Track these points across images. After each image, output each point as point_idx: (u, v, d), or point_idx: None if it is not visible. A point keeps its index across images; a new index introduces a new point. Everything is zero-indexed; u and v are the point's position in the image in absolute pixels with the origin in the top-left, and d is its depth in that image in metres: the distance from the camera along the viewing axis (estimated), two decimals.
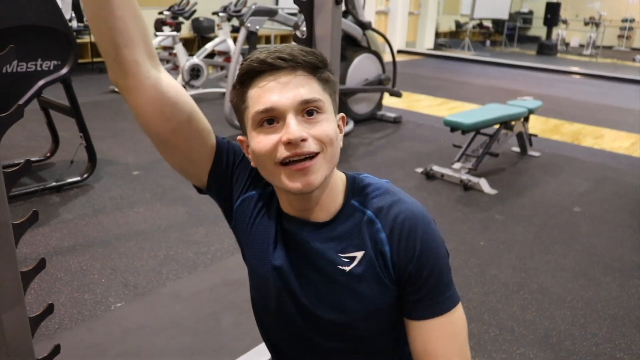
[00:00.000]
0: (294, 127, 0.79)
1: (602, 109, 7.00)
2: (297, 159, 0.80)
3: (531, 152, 4.54)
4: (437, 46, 13.54)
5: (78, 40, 7.66)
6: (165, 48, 6.50)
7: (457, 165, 3.76)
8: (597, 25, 15.08)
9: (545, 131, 5.50)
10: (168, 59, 6.53)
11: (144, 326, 2.12)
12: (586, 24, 15.61)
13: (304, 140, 0.80)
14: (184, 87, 5.87)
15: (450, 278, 0.90)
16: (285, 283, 0.93)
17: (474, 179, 3.64)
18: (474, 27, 15.69)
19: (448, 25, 16.24)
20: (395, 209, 0.89)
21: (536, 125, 5.61)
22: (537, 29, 16.77)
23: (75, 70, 3.20)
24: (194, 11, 6.96)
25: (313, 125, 0.82)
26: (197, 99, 5.94)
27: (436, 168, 3.82)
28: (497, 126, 4.00)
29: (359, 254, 0.89)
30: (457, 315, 0.90)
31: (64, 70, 3.19)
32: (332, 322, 0.93)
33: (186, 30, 9.10)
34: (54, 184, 3.41)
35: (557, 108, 6.71)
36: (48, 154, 3.96)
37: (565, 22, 15.72)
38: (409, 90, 7.13)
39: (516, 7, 16.95)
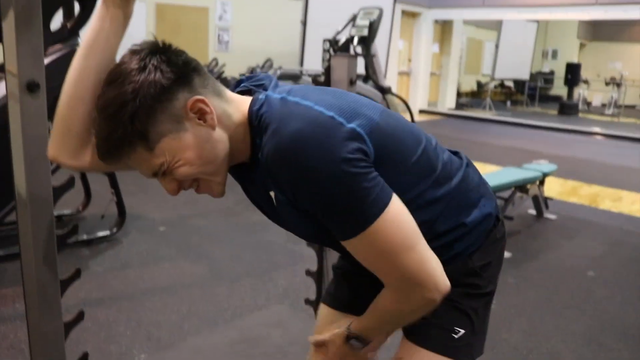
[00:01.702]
0: (167, 189, 0.91)
1: (622, 171, 7.05)
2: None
3: (547, 215, 4.61)
4: (459, 105, 13.78)
5: None
6: None
7: None
8: (618, 85, 15.22)
9: (563, 193, 5.57)
10: None
11: None
12: (607, 84, 15.76)
13: (180, 189, 0.90)
14: None
15: (352, 197, 0.83)
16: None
17: None
18: (495, 87, 15.98)
19: (470, 85, 16.54)
20: (268, 146, 0.85)
21: (554, 187, 5.69)
22: (559, 89, 16.97)
23: None
24: (222, 72, 7.30)
25: (174, 176, 0.88)
26: None
27: None
28: (512, 189, 4.10)
29: (272, 192, 0.94)
30: (376, 232, 0.85)
31: None
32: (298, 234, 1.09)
33: None
34: (85, 237, 3.59)
35: (576, 169, 6.78)
36: (80, 208, 4.17)
37: (586, 82, 15.90)
38: None
39: (537, 67, 17.24)
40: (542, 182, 4.42)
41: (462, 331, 1.07)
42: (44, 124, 1.16)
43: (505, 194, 4.09)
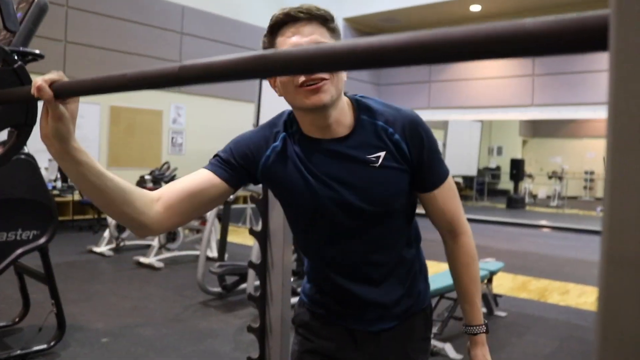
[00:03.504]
0: None
1: (568, 263, 7.24)
2: (312, 82, 1.09)
3: (497, 312, 4.64)
4: None
5: (61, 199, 7.93)
6: None
7: None
8: (560, 178, 15.98)
9: (514, 289, 5.65)
10: None
11: None
12: (550, 177, 16.53)
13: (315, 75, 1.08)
14: (160, 249, 6.03)
15: (440, 153, 1.28)
16: (328, 188, 1.22)
17: (439, 344, 3.70)
18: None
19: None
20: (400, 117, 1.22)
21: (504, 282, 5.77)
22: (506, 183, 17.67)
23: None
24: (174, 176, 7.34)
25: None
26: (172, 261, 6.06)
27: None
28: None
29: (382, 153, 1.20)
30: (451, 180, 1.29)
31: (42, 240, 3.34)
32: (362, 208, 1.22)
33: None
34: (19, 352, 3.39)
35: (526, 264, 6.93)
36: (17, 319, 3.96)
37: (530, 176, 16.63)
38: None
39: (484, 163, 17.99)
40: (490, 280, 4.48)
41: None
42: None
43: (454, 294, 4.11)
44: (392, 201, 1.24)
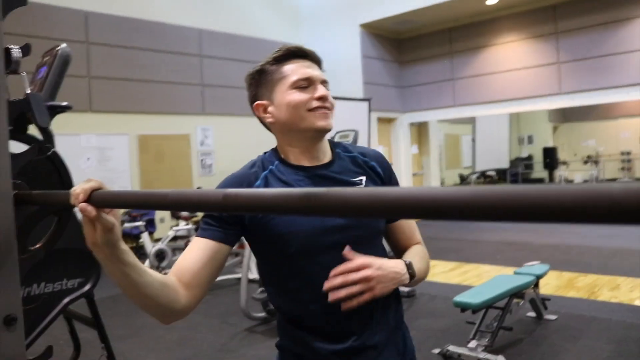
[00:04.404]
0: (323, 89, 1.30)
1: (615, 254, 7.04)
2: (325, 108, 1.28)
3: (547, 316, 4.53)
4: None
5: None
6: (182, 237, 6.82)
7: (472, 344, 3.73)
8: (596, 162, 15.61)
9: (560, 287, 5.51)
10: (183, 247, 6.80)
11: None
12: (585, 162, 16.15)
13: (327, 98, 1.29)
14: None
15: None
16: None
17: (492, 357, 3.60)
18: (477, 177, 16.29)
19: (453, 180, 16.80)
20: (371, 150, 1.43)
21: (550, 281, 5.63)
22: (540, 172, 17.32)
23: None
24: None
25: (328, 89, 1.32)
26: (214, 286, 6.07)
27: (452, 348, 3.80)
28: (508, 298, 4.03)
29: (363, 178, 1.35)
30: None
31: (87, 287, 3.37)
32: (352, 228, 1.27)
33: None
34: None
35: (570, 258, 6.77)
36: None
37: (565, 163, 16.28)
38: None
39: (515, 154, 17.68)
40: (536, 285, 4.37)
41: None
42: (23, 355, 1.14)
43: (501, 303, 4.02)
44: (377, 221, 1.35)
